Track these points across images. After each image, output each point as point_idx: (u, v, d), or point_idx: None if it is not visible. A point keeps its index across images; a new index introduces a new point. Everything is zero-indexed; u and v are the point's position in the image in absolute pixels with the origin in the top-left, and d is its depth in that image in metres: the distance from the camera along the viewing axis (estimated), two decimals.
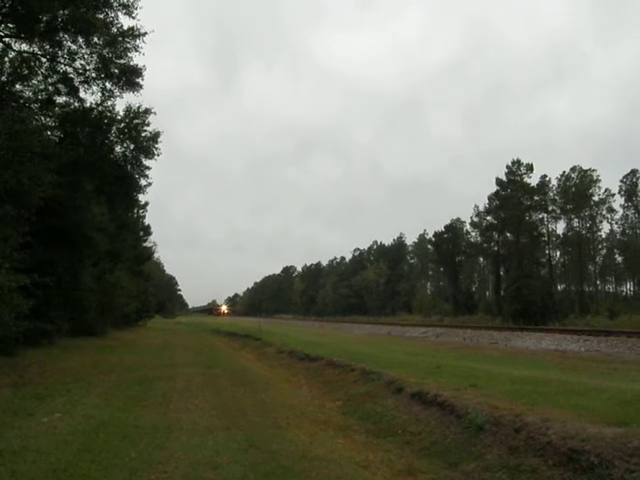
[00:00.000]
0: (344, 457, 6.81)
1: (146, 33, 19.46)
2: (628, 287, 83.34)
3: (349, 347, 21.46)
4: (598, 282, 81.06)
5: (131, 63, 19.83)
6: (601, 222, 74.93)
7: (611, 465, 5.45)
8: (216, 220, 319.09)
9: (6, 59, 18.65)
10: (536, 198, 65.48)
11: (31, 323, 14.60)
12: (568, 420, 6.73)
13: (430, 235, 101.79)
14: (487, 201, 71.03)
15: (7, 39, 18.11)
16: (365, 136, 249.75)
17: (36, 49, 18.93)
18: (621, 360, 15.35)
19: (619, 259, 78.99)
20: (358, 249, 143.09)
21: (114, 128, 20.58)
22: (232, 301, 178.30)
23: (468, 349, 20.66)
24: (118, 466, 5.65)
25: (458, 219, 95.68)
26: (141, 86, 20.41)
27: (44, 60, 19.28)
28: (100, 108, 20.38)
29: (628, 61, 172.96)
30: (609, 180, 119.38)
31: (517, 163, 64.97)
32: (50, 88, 19.78)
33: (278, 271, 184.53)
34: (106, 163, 20.35)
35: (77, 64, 19.49)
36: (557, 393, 8.74)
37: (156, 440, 6.79)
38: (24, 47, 18.65)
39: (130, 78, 19.97)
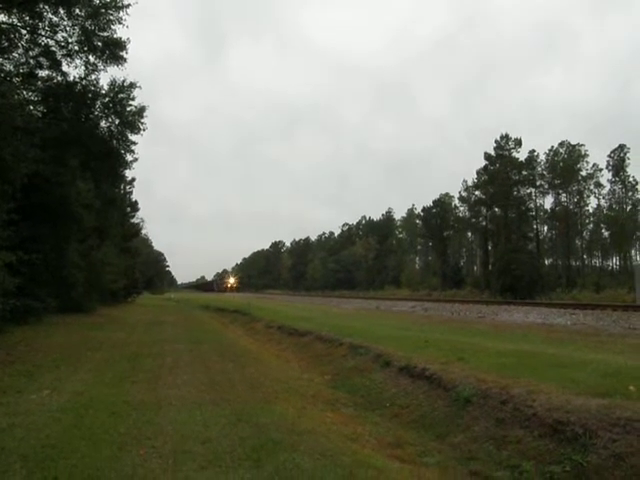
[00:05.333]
0: (332, 430, 6.87)
1: (129, 5, 18.97)
2: (614, 261, 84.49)
3: (338, 322, 21.55)
4: (585, 256, 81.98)
5: (114, 36, 19.38)
6: (588, 197, 75.76)
7: (595, 435, 5.54)
8: (204, 196, 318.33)
9: None
10: (524, 173, 65.72)
11: (18, 301, 14.49)
12: (553, 392, 6.82)
13: (419, 210, 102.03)
14: (476, 176, 71.22)
15: None
16: (354, 112, 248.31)
17: (15, 20, 18.32)
18: (607, 333, 15.56)
19: (605, 234, 79.89)
20: (347, 224, 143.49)
21: (99, 102, 20.21)
22: (219, 277, 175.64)
23: (456, 323, 20.83)
24: (107, 441, 5.65)
25: (447, 194, 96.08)
26: (125, 59, 19.96)
27: (24, 32, 18.68)
28: (84, 82, 19.94)
29: (618, 39, 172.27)
30: (597, 155, 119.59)
31: (505, 138, 64.94)
32: (32, 61, 19.21)
33: (267, 247, 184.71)
34: (91, 138, 20.01)
35: (59, 37, 18.96)
36: (543, 366, 8.84)
37: (145, 416, 6.80)
38: (3, 18, 18.10)
39: (114, 51, 19.51)
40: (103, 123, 20.68)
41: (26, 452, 5.22)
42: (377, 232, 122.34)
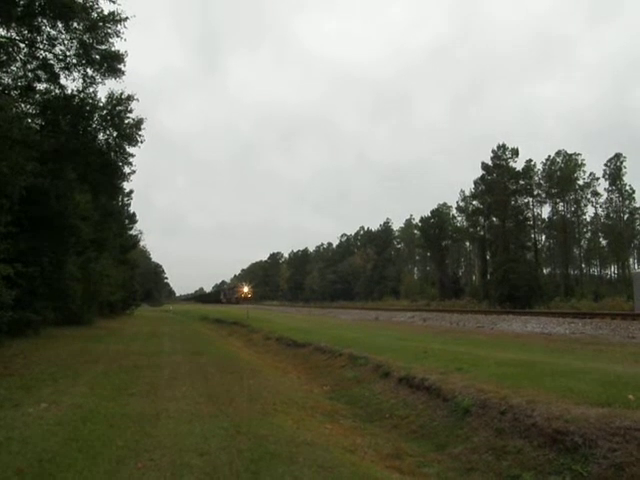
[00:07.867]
0: (331, 442, 6.83)
1: (127, 18, 19.02)
2: (612, 270, 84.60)
3: (336, 332, 21.52)
4: (583, 265, 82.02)
5: (112, 49, 19.40)
6: (586, 206, 75.95)
7: (594, 445, 5.53)
8: (202, 208, 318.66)
9: None
10: (521, 182, 65.81)
11: (15, 313, 14.46)
12: (553, 402, 6.80)
13: (417, 220, 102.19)
14: (473, 186, 71.48)
15: None
16: (352, 122, 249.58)
17: (14, 34, 18.39)
18: (605, 342, 15.54)
19: (603, 242, 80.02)
20: (345, 235, 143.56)
21: (96, 115, 20.21)
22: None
23: (455, 333, 20.79)
24: (105, 455, 5.60)
25: (444, 204, 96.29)
26: (123, 72, 20.02)
27: (22, 46, 18.73)
28: (82, 95, 19.92)
29: (615, 47, 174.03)
30: (594, 164, 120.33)
31: (502, 147, 65.20)
32: (30, 75, 19.22)
33: (265, 258, 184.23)
34: (89, 151, 20.02)
35: (57, 50, 18.99)
36: (542, 375, 8.83)
37: (143, 428, 6.75)
38: (1, 32, 18.17)
39: (111, 64, 19.57)
40: (101, 136, 20.68)
41: (23, 466, 5.17)
42: (375, 242, 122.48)
